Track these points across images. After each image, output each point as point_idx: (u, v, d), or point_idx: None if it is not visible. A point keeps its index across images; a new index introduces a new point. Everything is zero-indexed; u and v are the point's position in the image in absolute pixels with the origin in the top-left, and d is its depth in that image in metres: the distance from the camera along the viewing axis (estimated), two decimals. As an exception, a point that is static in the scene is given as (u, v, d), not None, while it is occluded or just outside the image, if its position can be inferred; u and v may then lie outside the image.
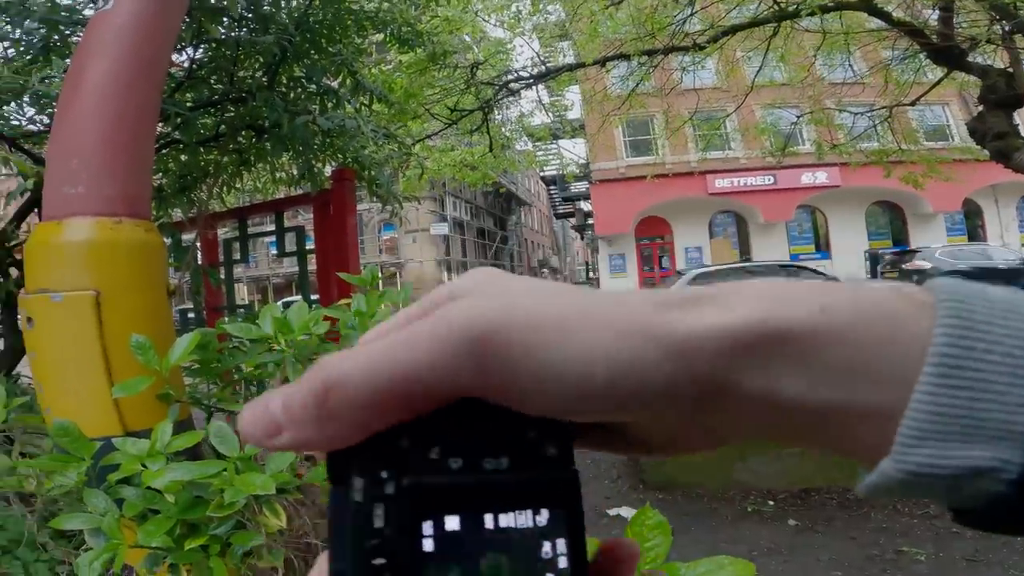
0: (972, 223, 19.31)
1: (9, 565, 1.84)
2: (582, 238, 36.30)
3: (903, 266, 13.88)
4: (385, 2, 2.93)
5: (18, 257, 2.36)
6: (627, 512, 3.24)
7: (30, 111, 2.25)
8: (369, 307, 1.40)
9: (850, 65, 6.31)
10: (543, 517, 0.20)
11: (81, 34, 1.95)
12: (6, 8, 1.75)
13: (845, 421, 0.20)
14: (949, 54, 4.05)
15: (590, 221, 23.80)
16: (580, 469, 0.21)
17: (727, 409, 0.20)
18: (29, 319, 0.98)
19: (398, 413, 0.19)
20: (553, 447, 0.21)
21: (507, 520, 0.19)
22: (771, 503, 3.34)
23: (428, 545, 0.18)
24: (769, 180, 18.79)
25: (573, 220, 30.84)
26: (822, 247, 20.24)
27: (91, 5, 2.08)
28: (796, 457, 3.51)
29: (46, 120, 2.28)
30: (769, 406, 0.20)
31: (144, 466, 0.92)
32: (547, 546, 0.19)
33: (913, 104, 5.95)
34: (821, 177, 18.68)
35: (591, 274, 25.52)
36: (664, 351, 0.19)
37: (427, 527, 0.19)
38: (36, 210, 2.40)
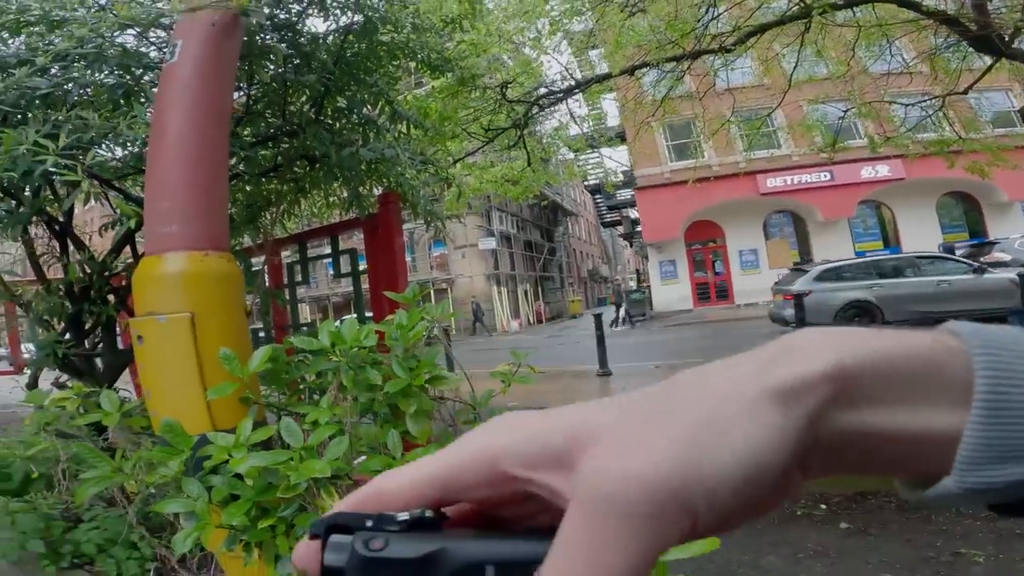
0: (1054, 210, 17.89)
1: (103, 563, 2.11)
2: (631, 246, 35.82)
3: (981, 259, 13.03)
4: (412, 33, 3.09)
5: (115, 285, 2.70)
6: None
7: (117, 150, 2.47)
8: (410, 321, 1.59)
9: (892, 55, 6.09)
10: None
11: (149, 75, 2.20)
12: (85, 56, 1.89)
13: (915, 447, 0.24)
14: (989, 41, 3.89)
15: (638, 228, 23.56)
16: None
17: (826, 452, 0.24)
18: (139, 337, 1.21)
19: None
20: None
21: None
22: (823, 506, 3.29)
23: None
24: (825, 176, 18.12)
25: (621, 228, 30.58)
26: (891, 243, 19.26)
27: (153, 46, 2.32)
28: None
29: (123, 155, 2.51)
30: (860, 440, 0.24)
31: (230, 455, 1.12)
32: None
33: (965, 92, 5.68)
34: (883, 170, 17.85)
35: (642, 282, 25.17)
36: (781, 402, 0.22)
37: None
38: (129, 244, 2.74)
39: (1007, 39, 3.97)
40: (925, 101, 6.40)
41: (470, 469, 0.24)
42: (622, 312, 18.40)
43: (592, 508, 0.21)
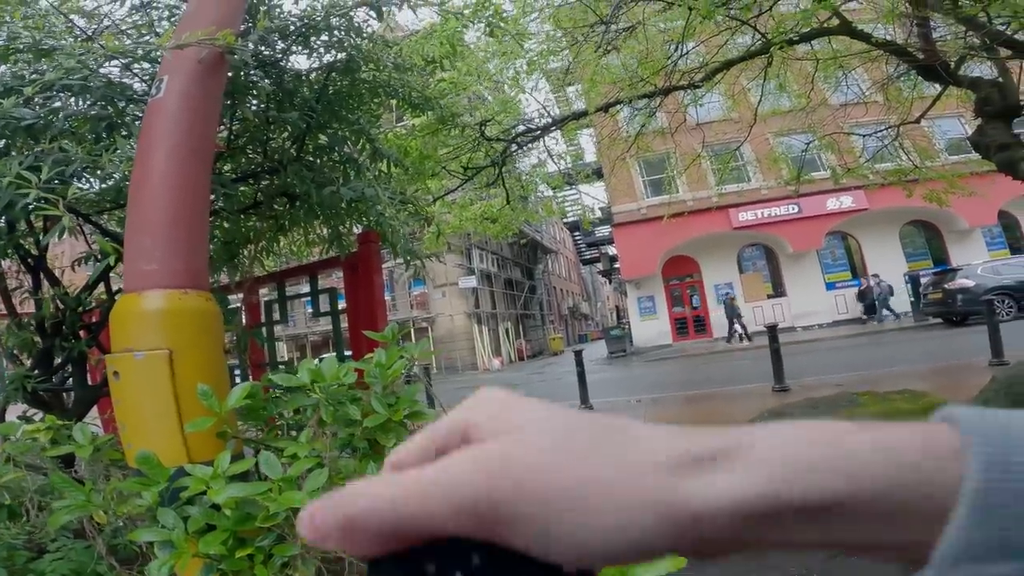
0: (1012, 235, 18.68)
1: (67, 594, 2.00)
2: (610, 283, 36.23)
3: (945, 286, 13.50)
4: (394, 72, 3.13)
5: (86, 321, 2.65)
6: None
7: (96, 184, 2.37)
8: (389, 359, 1.61)
9: (849, 86, 6.43)
10: None
11: (132, 110, 2.17)
12: (70, 86, 1.87)
13: (870, 550, 0.21)
14: (934, 70, 4.15)
15: (616, 265, 23.88)
16: None
17: (738, 550, 0.22)
18: (116, 373, 1.21)
19: (412, 541, 0.22)
20: None
21: None
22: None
23: None
24: (794, 209, 18.67)
25: (600, 265, 30.97)
26: (858, 272, 19.78)
27: (136, 78, 2.31)
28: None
29: (100, 189, 2.43)
30: (784, 547, 0.21)
31: (208, 486, 1.11)
32: None
33: (918, 121, 6.00)
34: (847, 201, 18.47)
35: (621, 319, 25.35)
36: (675, 526, 0.21)
37: None
38: (103, 280, 2.70)
39: (952, 67, 4.22)
40: (882, 131, 6.73)
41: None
42: (737, 327, 16.83)
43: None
